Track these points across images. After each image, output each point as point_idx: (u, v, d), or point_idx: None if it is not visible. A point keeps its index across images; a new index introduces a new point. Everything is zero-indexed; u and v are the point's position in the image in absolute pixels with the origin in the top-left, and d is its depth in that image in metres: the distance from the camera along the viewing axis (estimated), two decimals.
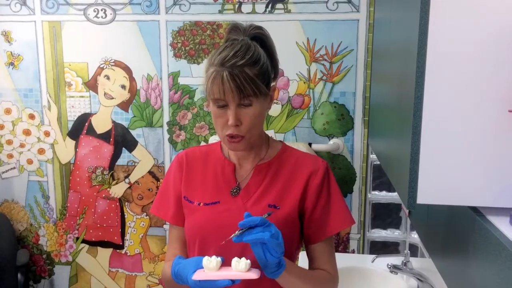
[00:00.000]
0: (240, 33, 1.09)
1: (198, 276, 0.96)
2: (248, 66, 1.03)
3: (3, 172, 2.32)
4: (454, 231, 0.82)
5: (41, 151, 2.29)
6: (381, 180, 2.09)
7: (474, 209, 0.71)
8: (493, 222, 0.66)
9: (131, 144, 2.23)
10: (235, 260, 0.96)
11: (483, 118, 0.66)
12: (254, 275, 0.95)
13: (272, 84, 1.13)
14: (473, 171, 0.68)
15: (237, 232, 0.94)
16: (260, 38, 1.11)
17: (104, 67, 2.18)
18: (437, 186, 0.69)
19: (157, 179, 2.24)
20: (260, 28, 1.12)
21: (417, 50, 0.68)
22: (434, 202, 0.70)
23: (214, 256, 0.97)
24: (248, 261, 0.95)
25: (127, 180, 2.25)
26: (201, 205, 1.15)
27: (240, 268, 0.95)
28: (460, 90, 0.66)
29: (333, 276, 1.16)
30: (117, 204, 2.28)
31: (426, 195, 0.70)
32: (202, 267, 0.97)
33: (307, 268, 1.18)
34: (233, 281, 0.94)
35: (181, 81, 2.14)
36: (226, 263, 0.98)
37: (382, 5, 1.47)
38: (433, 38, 0.67)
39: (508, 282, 0.55)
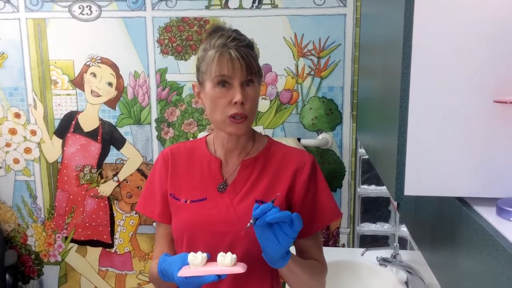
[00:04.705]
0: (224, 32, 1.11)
1: (183, 272, 0.95)
2: (248, 48, 1.08)
3: None
4: (441, 223, 0.83)
5: (27, 150, 2.26)
6: (370, 174, 2.10)
7: (461, 200, 0.71)
8: (480, 212, 0.66)
9: (119, 142, 2.21)
10: (220, 255, 0.95)
11: (469, 109, 0.66)
12: (240, 269, 0.94)
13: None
14: (459, 162, 0.68)
15: (251, 220, 0.93)
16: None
17: (90, 65, 2.16)
18: (424, 177, 0.70)
19: (146, 177, 2.22)
20: (238, 31, 1.13)
21: (403, 42, 0.69)
22: (421, 193, 0.71)
23: (199, 252, 0.96)
24: (234, 255, 0.95)
25: (115, 178, 2.24)
26: (188, 202, 1.14)
27: (226, 262, 0.94)
28: (445, 82, 0.67)
29: (324, 267, 1.18)
30: (106, 202, 2.26)
31: (413, 186, 0.70)
32: (188, 264, 0.97)
33: None
34: (219, 276, 0.94)
35: (169, 77, 2.12)
36: (212, 259, 0.98)
37: (368, 0, 1.48)
38: (418, 31, 0.67)
39: (494, 271, 0.56)
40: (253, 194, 1.12)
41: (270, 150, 1.18)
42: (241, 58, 1.03)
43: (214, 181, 1.15)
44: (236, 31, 1.12)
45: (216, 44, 1.06)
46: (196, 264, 0.95)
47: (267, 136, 1.23)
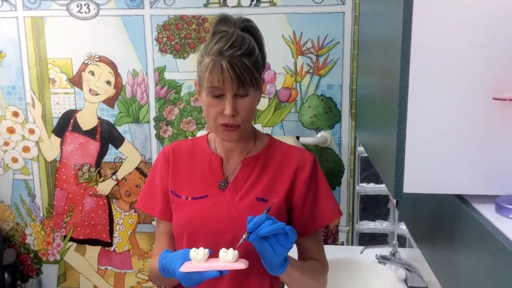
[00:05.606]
0: (230, 25, 1.07)
1: (185, 268, 0.95)
2: (245, 56, 1.03)
3: None
4: (440, 220, 0.83)
5: (26, 149, 2.25)
6: (369, 172, 2.10)
7: (460, 198, 0.71)
8: (479, 210, 0.66)
9: (117, 141, 2.21)
10: (222, 251, 0.95)
11: (468, 106, 0.66)
12: (241, 265, 0.94)
13: (262, 76, 1.13)
14: (458, 159, 0.68)
15: (245, 235, 0.94)
16: (250, 30, 1.10)
17: (89, 63, 2.15)
18: (423, 175, 0.70)
19: (145, 175, 2.22)
20: (249, 20, 1.11)
21: (402, 40, 0.68)
22: (420, 191, 0.71)
23: (201, 248, 0.96)
24: (236, 251, 0.95)
25: (114, 177, 2.24)
26: (189, 199, 1.14)
27: (227, 258, 0.94)
28: (444, 80, 0.67)
29: (325, 266, 1.18)
30: (105, 201, 2.26)
31: (412, 184, 0.70)
32: (189, 259, 0.97)
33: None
34: (221, 272, 0.94)
35: (167, 76, 2.12)
36: (214, 255, 0.98)
37: None
38: (417, 29, 0.67)
39: (493, 268, 0.56)
40: (254, 192, 1.12)
41: (271, 149, 1.18)
42: (232, 71, 1.00)
43: (215, 178, 1.15)
44: (245, 20, 1.08)
45: (212, 50, 1.02)
46: (198, 259, 0.95)
47: (268, 134, 1.23)
